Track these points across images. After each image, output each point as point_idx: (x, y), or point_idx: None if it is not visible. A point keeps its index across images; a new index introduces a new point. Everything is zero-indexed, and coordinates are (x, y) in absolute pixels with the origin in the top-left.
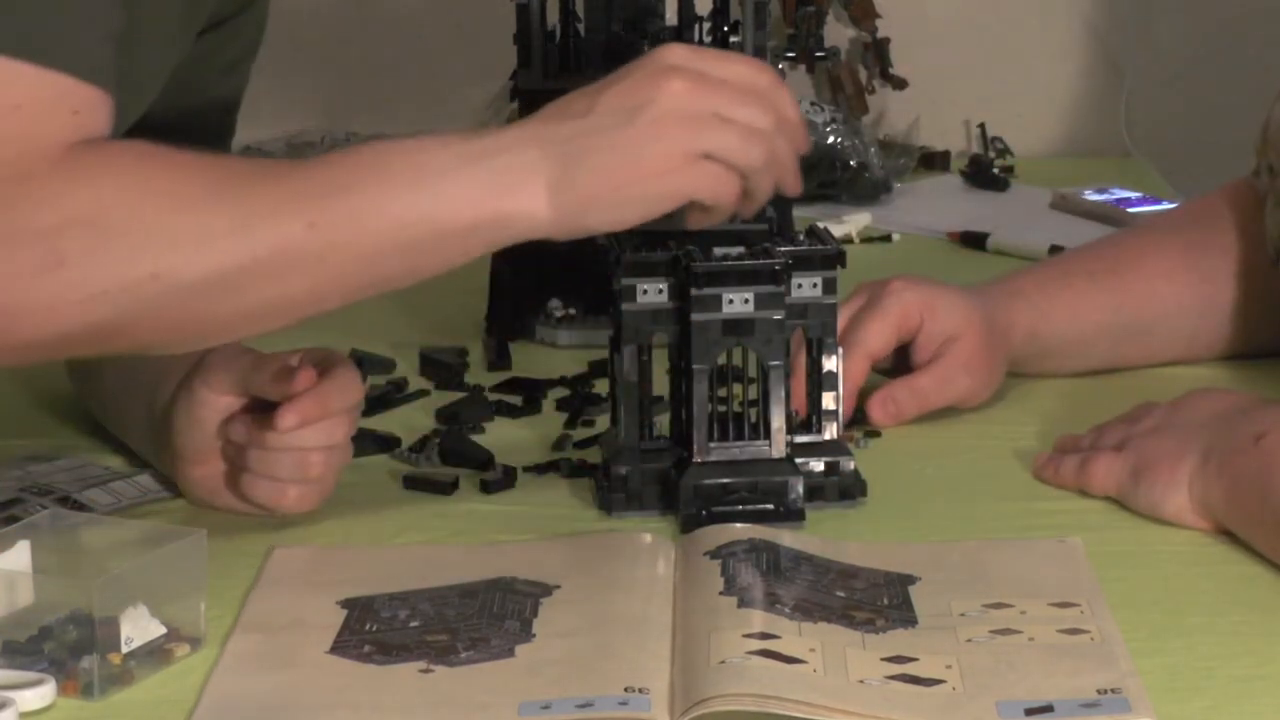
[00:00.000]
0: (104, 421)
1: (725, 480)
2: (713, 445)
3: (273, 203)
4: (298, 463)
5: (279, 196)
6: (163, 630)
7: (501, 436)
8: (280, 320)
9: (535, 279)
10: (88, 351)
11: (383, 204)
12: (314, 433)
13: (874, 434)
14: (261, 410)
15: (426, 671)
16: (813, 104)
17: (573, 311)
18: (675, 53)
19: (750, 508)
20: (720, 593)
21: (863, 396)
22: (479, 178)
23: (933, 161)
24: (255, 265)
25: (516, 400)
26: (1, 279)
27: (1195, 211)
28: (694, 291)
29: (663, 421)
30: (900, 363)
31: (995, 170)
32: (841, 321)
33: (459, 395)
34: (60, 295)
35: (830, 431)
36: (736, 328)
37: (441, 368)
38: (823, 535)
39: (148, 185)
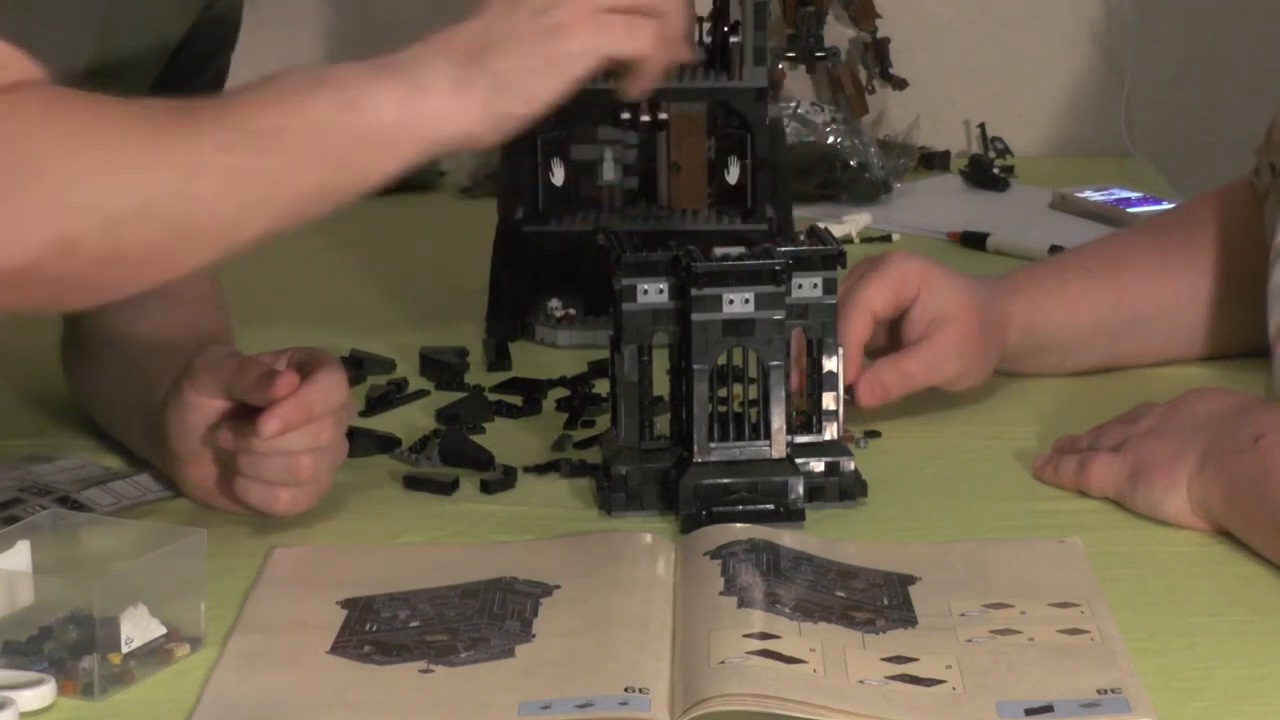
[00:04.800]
0: (101, 421)
1: (725, 480)
2: (713, 445)
3: (185, 130)
4: (287, 466)
5: (191, 123)
6: (163, 630)
7: (501, 437)
8: (217, 246)
9: (535, 279)
10: (28, 303)
11: (295, 115)
12: (300, 436)
13: (874, 434)
14: (250, 414)
15: (426, 671)
16: (813, 104)
17: (573, 311)
18: None
19: (750, 508)
20: (720, 593)
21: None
22: (387, 82)
23: (933, 161)
24: (168, 190)
25: (516, 400)
26: None
27: (1191, 211)
28: (694, 291)
29: (663, 421)
30: (891, 343)
31: (995, 170)
32: (842, 288)
33: (459, 395)
34: None
35: (830, 431)
36: (736, 328)
37: (441, 368)
38: (823, 535)
39: (61, 124)
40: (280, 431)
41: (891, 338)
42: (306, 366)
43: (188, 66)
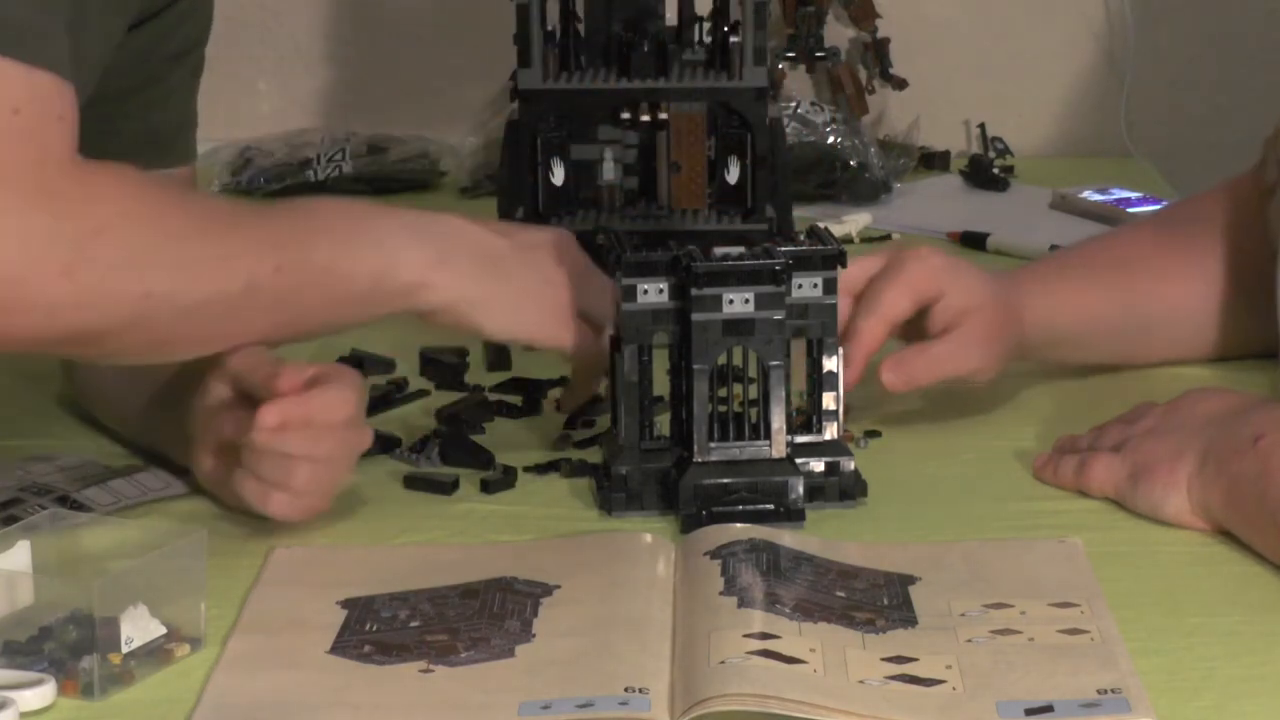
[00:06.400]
0: (102, 413)
1: (725, 480)
2: (713, 445)
3: (250, 243)
4: (282, 468)
5: (255, 238)
6: (163, 630)
7: (501, 437)
8: (245, 343)
9: None
10: (67, 353)
11: (341, 258)
12: (297, 439)
13: (874, 434)
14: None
15: (426, 671)
16: (813, 104)
17: None
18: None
19: (750, 508)
20: (720, 593)
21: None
22: (418, 251)
23: (933, 161)
24: (230, 297)
25: (516, 400)
26: (13, 278)
27: (1195, 209)
28: (694, 291)
29: (663, 421)
30: (911, 332)
31: (995, 170)
32: (858, 279)
33: (459, 395)
34: (63, 299)
35: (830, 431)
36: (736, 328)
37: (442, 368)
38: (823, 535)
39: (148, 212)
40: (276, 423)
41: (908, 329)
42: (323, 379)
43: (163, 66)
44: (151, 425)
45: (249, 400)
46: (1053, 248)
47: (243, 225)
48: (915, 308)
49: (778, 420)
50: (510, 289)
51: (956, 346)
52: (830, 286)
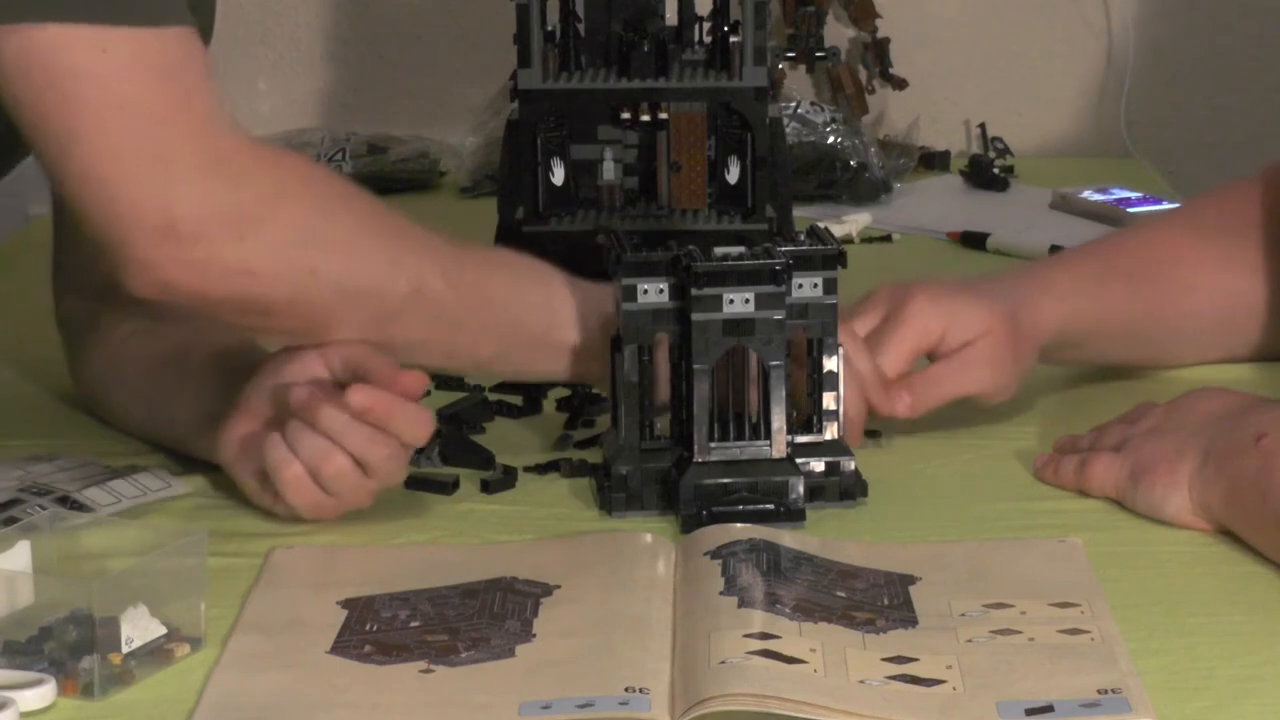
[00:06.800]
0: (100, 401)
1: (725, 480)
2: (713, 445)
3: (419, 251)
4: (321, 451)
5: (425, 247)
6: (163, 630)
7: (502, 436)
8: (397, 355)
9: None
10: (234, 320)
11: (514, 302)
12: (355, 433)
13: (874, 434)
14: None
15: (427, 671)
16: (813, 104)
17: None
18: None
19: (751, 508)
20: (720, 593)
21: None
22: (580, 318)
23: (933, 161)
24: (396, 295)
25: (517, 400)
26: (192, 235)
27: (1228, 204)
28: (694, 291)
29: (663, 421)
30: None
31: (995, 170)
32: (862, 328)
33: (459, 395)
34: (235, 263)
35: (830, 431)
36: (737, 328)
37: None
38: (823, 535)
39: (320, 190)
40: (365, 405)
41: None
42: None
43: None
44: (166, 404)
45: (339, 387)
46: (1053, 248)
47: (411, 234)
48: (917, 353)
49: (778, 420)
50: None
51: (961, 368)
52: (830, 286)
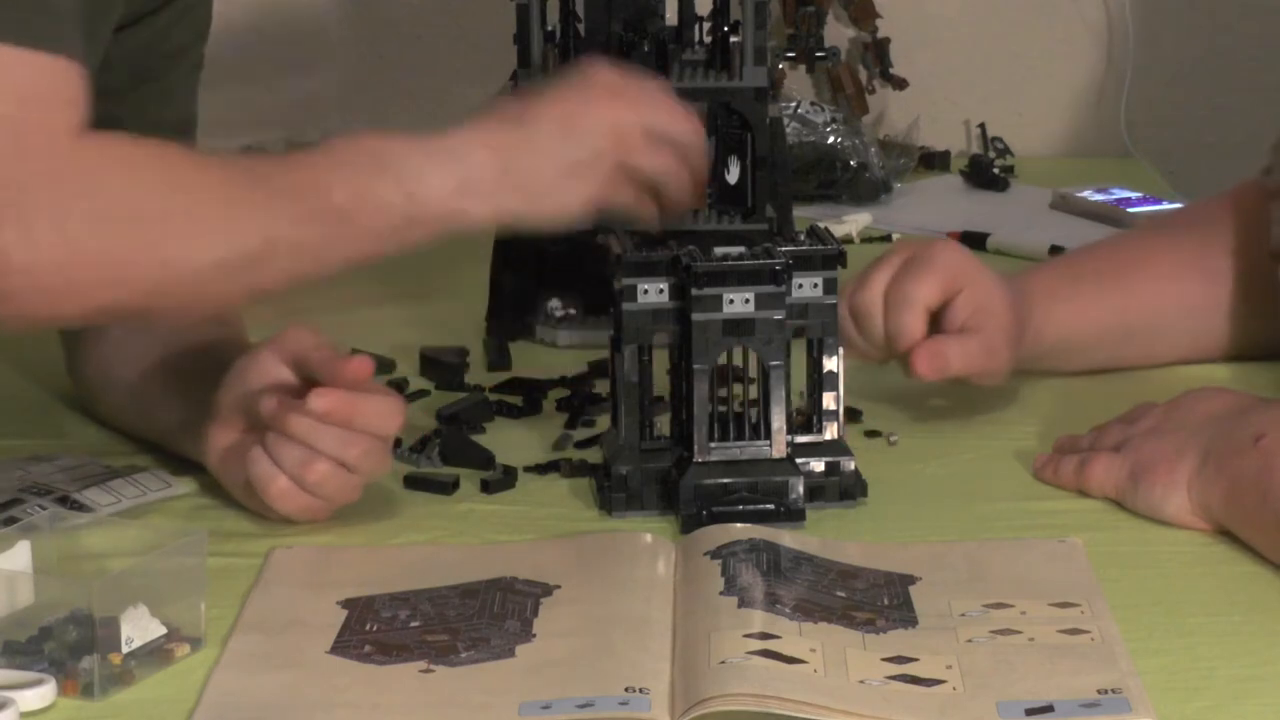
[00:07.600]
0: (98, 401)
1: (725, 480)
2: (713, 445)
3: (265, 197)
4: (301, 458)
5: (270, 190)
6: (163, 630)
7: (502, 436)
8: (269, 294)
9: (535, 279)
10: (98, 323)
11: (359, 197)
12: (329, 436)
13: (874, 434)
14: (300, 398)
15: (427, 671)
16: (813, 104)
17: (573, 311)
18: (605, 74)
19: (750, 508)
20: (720, 593)
21: None
22: (439, 175)
23: (933, 161)
24: (247, 254)
25: (517, 400)
26: (27, 263)
27: (1201, 212)
28: (694, 291)
29: (663, 421)
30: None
31: (995, 170)
32: (881, 278)
33: (459, 395)
34: (81, 278)
35: (830, 431)
36: (737, 328)
37: (442, 368)
38: (823, 535)
39: (154, 180)
40: (325, 409)
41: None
42: (372, 389)
43: (162, 63)
44: (154, 407)
45: (304, 384)
46: (1053, 248)
47: (257, 180)
48: (943, 299)
49: (778, 420)
50: (548, 174)
51: (987, 345)
52: (830, 286)
